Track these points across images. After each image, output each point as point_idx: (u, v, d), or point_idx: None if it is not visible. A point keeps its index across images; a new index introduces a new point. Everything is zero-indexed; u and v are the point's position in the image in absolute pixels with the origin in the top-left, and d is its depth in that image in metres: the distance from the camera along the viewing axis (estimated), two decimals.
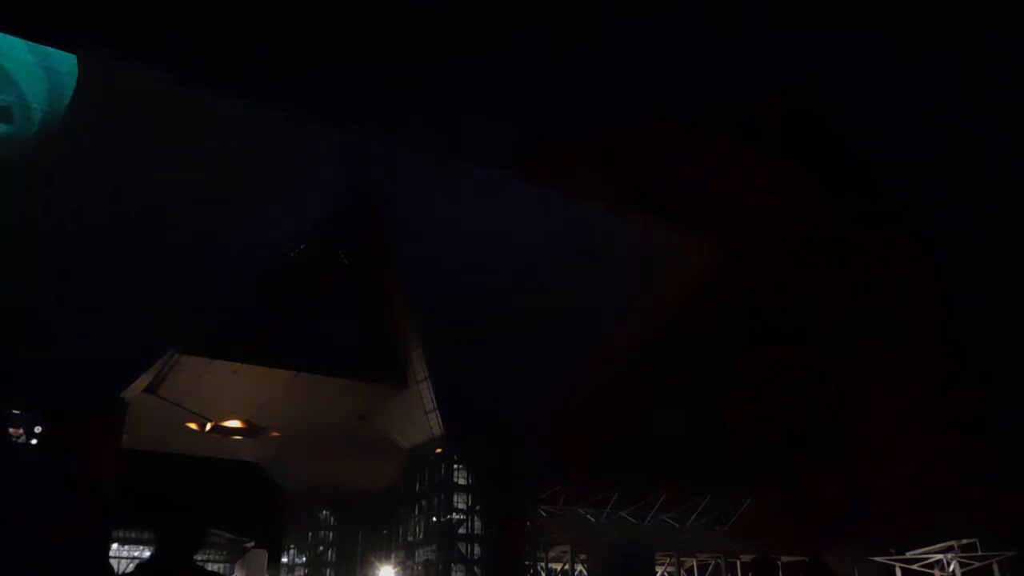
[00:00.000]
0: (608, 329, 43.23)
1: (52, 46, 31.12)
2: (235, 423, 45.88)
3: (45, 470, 29.45)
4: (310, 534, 57.51)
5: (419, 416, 43.30)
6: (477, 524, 42.47)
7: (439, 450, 43.05)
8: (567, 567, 53.37)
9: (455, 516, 42.24)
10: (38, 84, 31.57)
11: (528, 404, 41.81)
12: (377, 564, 48.58)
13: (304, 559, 57.65)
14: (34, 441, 31.47)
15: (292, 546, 58.98)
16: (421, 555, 43.51)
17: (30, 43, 30.81)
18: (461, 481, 42.86)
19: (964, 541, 52.00)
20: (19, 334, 31.06)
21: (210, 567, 52.27)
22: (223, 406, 43.71)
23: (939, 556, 53.09)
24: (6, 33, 30.29)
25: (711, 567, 56.43)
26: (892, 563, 55.29)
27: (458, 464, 42.89)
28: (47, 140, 31.65)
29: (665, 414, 43.65)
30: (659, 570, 55.28)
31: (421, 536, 44.27)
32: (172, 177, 33.54)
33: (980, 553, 51.66)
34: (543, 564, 50.56)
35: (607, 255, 43.02)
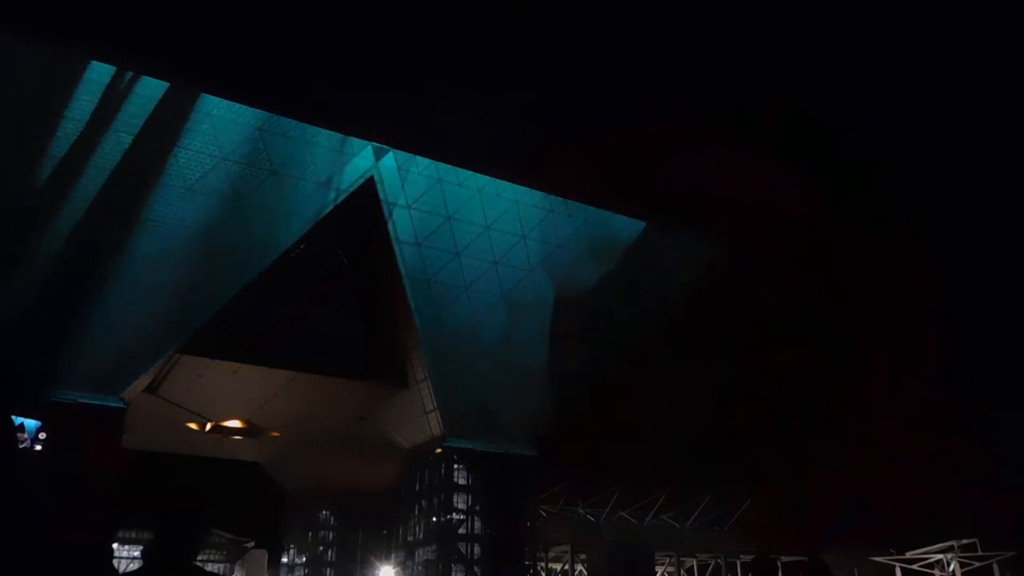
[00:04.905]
0: (608, 329, 43.24)
1: (52, 46, 31.11)
2: (235, 423, 45.85)
3: (45, 470, 29.45)
4: (310, 534, 57.46)
5: (419, 416, 43.25)
6: (477, 524, 42.42)
7: (439, 450, 43.01)
8: (567, 567, 53.38)
9: (455, 516, 42.20)
10: None
11: (528, 404, 41.82)
12: (377, 564, 48.55)
13: (304, 559, 57.62)
14: (37, 446, 31.43)
15: (292, 546, 58.95)
16: (421, 555, 43.44)
17: None
18: (461, 481, 42.79)
19: (964, 541, 51.97)
20: (18, 334, 31.08)
21: (210, 567, 52.46)
22: (223, 406, 43.69)
23: (939, 556, 53.07)
24: (6, 32, 30.24)
25: (711, 567, 56.42)
26: (892, 563, 55.28)
27: (458, 464, 42.84)
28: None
29: (665, 414, 43.64)
30: (659, 570, 55.27)
31: (421, 536, 44.20)
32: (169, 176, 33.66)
33: (980, 553, 51.63)
34: (543, 564, 50.54)
35: (610, 255, 43.09)
